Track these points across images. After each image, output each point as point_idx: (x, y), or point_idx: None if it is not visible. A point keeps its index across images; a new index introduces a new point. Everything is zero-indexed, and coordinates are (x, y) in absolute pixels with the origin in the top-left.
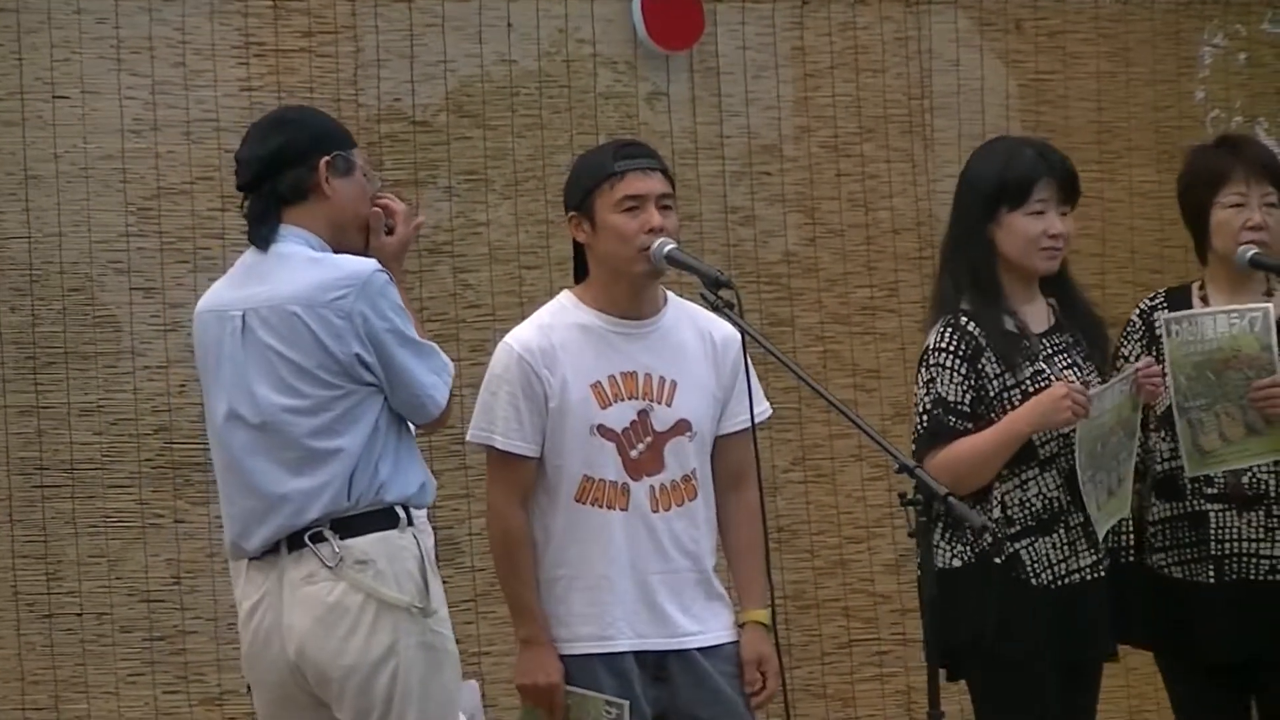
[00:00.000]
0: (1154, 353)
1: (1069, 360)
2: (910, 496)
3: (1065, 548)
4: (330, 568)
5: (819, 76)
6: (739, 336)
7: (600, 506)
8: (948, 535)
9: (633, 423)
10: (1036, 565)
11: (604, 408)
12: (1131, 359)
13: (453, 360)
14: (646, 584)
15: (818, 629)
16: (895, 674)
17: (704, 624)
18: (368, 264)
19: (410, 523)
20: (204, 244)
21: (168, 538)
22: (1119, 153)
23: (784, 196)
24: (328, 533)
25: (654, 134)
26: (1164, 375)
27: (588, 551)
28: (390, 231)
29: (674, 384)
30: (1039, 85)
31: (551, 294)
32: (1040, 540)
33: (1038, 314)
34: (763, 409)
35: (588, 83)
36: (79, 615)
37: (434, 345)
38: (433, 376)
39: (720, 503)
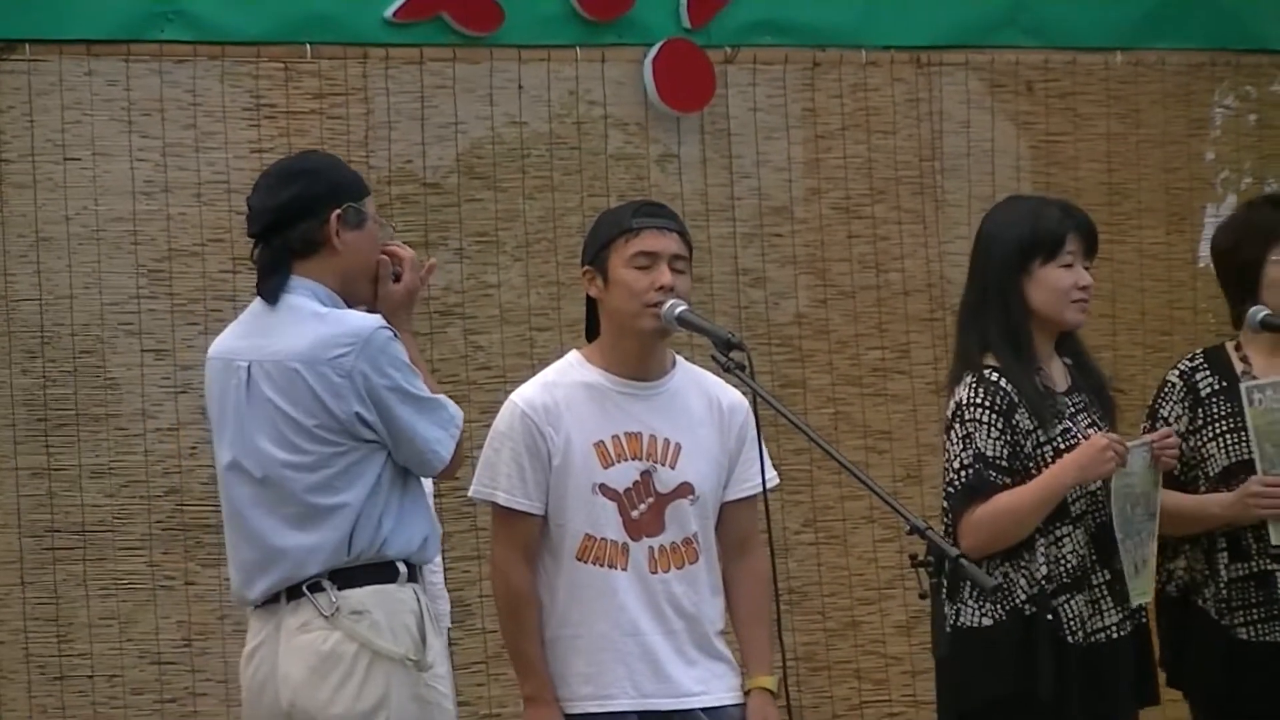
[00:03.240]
0: (1198, 414)
1: (1089, 420)
2: (921, 558)
3: (1090, 605)
4: (326, 617)
5: (830, 138)
6: (746, 403)
7: (601, 565)
8: (975, 592)
9: (635, 483)
10: (1072, 623)
11: (606, 467)
12: (1172, 421)
13: (464, 422)
14: (647, 644)
15: (829, 691)
16: None
17: (707, 685)
18: (370, 321)
19: (412, 579)
20: (215, 306)
21: (178, 599)
22: (1129, 214)
23: (795, 258)
24: (326, 583)
25: (665, 195)
26: (1213, 438)
27: (589, 610)
28: (398, 279)
29: (678, 446)
30: (1050, 146)
31: (563, 356)
32: (1075, 598)
33: (1058, 373)
34: (769, 477)
35: (599, 144)
36: (90, 677)
37: (440, 398)
38: (437, 430)
39: (726, 569)
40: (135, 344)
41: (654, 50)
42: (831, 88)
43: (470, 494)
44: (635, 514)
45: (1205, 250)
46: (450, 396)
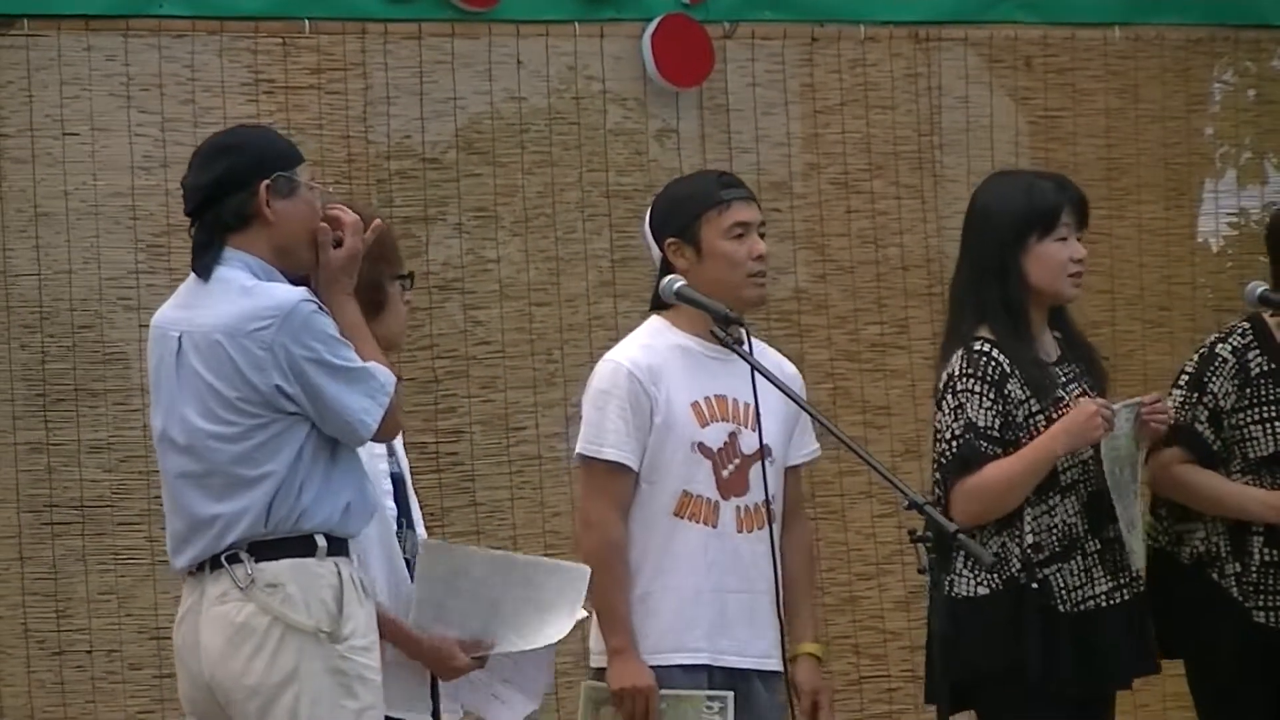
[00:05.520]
0: (1246, 393)
1: (1080, 389)
2: (920, 534)
3: (1083, 574)
4: (241, 589)
5: (828, 113)
6: (799, 376)
7: (696, 521)
8: (969, 562)
9: (725, 444)
10: (1062, 591)
11: (703, 426)
12: (1221, 396)
13: (463, 397)
14: (728, 602)
15: (828, 665)
16: (905, 711)
17: (769, 649)
18: (293, 294)
19: (336, 552)
20: None
21: (177, 575)
22: (1128, 189)
23: (794, 233)
24: (243, 554)
25: (664, 171)
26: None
27: (682, 565)
28: (339, 244)
29: (759, 412)
30: (1048, 122)
31: (561, 330)
32: (1065, 566)
33: (1049, 345)
34: (814, 448)
35: (597, 120)
36: (89, 652)
37: (369, 366)
38: (364, 400)
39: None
40: (134, 319)
41: (652, 25)
42: (830, 63)
43: (577, 451)
44: (726, 473)
45: (1204, 225)
46: (449, 371)
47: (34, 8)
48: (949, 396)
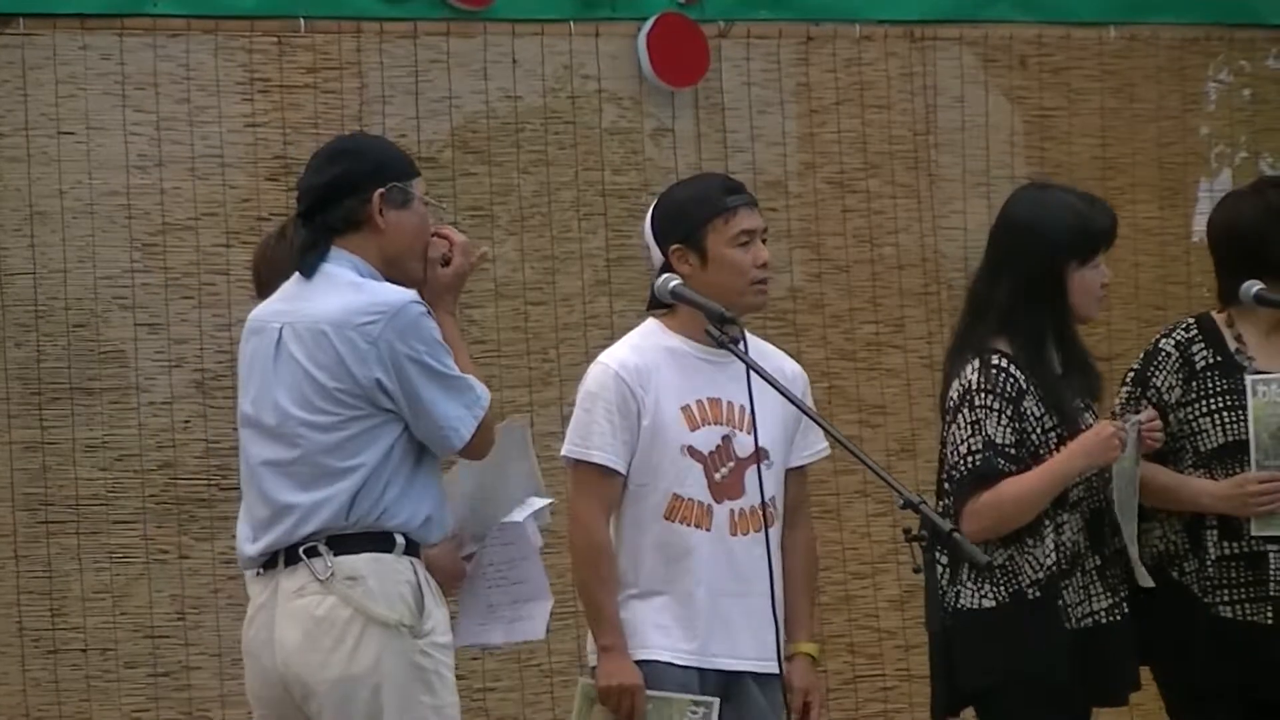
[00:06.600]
0: (1192, 386)
1: (1084, 404)
2: (915, 533)
3: (1082, 590)
4: (321, 581)
5: (824, 112)
6: (804, 374)
7: (688, 524)
8: (974, 574)
9: (718, 447)
10: (1068, 607)
11: (693, 429)
12: (1165, 390)
13: None
14: (721, 605)
15: (823, 665)
16: (900, 710)
17: (765, 651)
18: (404, 294)
19: (410, 552)
20: (208, 280)
21: (172, 573)
22: (1123, 189)
23: (789, 232)
24: (322, 548)
25: (659, 170)
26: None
27: (673, 568)
28: (447, 263)
29: (753, 413)
30: (1043, 121)
31: (557, 330)
32: (1070, 581)
33: (1056, 359)
34: (821, 448)
35: (593, 119)
36: (84, 651)
37: (468, 378)
38: (459, 410)
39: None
40: (129, 318)
41: (648, 24)
42: (825, 62)
43: (563, 453)
44: (719, 476)
45: (1199, 225)
46: None
47: (29, 6)
48: (965, 410)
